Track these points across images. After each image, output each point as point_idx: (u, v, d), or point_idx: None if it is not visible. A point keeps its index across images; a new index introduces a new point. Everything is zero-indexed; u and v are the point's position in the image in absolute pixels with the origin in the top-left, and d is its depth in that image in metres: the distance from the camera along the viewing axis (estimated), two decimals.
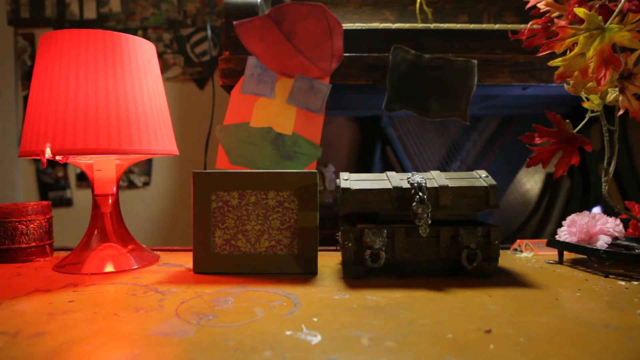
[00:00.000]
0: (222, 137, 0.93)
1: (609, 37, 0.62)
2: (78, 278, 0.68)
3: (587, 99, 0.71)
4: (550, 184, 1.38)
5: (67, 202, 1.51)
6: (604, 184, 0.72)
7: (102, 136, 0.68)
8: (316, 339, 0.43)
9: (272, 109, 0.93)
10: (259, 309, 0.52)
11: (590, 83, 0.69)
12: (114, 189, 0.78)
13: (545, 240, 0.82)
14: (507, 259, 0.80)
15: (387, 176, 0.72)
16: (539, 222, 1.38)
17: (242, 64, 0.95)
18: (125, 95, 0.71)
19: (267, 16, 0.93)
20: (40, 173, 1.52)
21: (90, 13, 1.49)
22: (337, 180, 0.74)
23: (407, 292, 0.59)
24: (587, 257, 0.79)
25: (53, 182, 1.51)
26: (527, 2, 0.78)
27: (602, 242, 0.72)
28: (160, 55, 1.47)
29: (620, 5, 0.62)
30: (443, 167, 1.37)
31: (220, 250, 0.70)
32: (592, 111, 0.72)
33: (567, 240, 0.76)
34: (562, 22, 0.70)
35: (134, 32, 1.47)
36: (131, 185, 1.50)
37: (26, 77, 1.51)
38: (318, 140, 0.92)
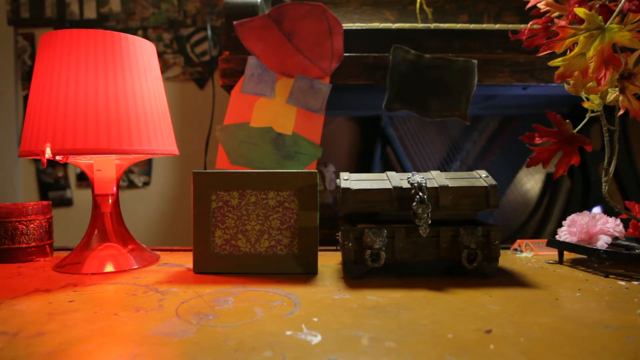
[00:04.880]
0: (222, 137, 0.93)
1: (609, 37, 0.62)
2: (78, 278, 0.68)
3: (587, 99, 0.71)
4: (550, 184, 1.38)
5: (67, 202, 1.51)
6: (604, 184, 0.72)
7: (102, 136, 0.68)
8: (316, 339, 0.43)
9: (272, 109, 0.93)
10: (259, 309, 0.52)
11: (591, 83, 0.69)
12: (114, 189, 0.78)
13: (545, 240, 0.81)
14: (507, 259, 0.80)
15: (387, 176, 0.72)
16: (539, 222, 1.38)
17: (242, 63, 0.95)
18: (125, 95, 0.71)
19: (267, 16, 0.93)
20: (40, 173, 1.52)
21: (90, 13, 1.49)
22: (337, 180, 0.74)
23: (407, 292, 0.59)
24: (587, 257, 0.79)
25: (53, 182, 1.51)
26: (527, 2, 0.78)
27: (602, 242, 0.72)
28: (160, 55, 1.47)
29: (620, 5, 0.62)
30: (443, 167, 1.37)
31: (220, 250, 0.70)
32: (592, 111, 0.72)
33: (567, 240, 0.76)
34: (562, 22, 0.70)
35: (134, 32, 1.47)
36: (131, 185, 1.50)
37: (26, 77, 1.51)
38: (318, 140, 0.92)
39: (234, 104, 0.93)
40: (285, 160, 0.92)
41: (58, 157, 0.69)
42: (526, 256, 0.82)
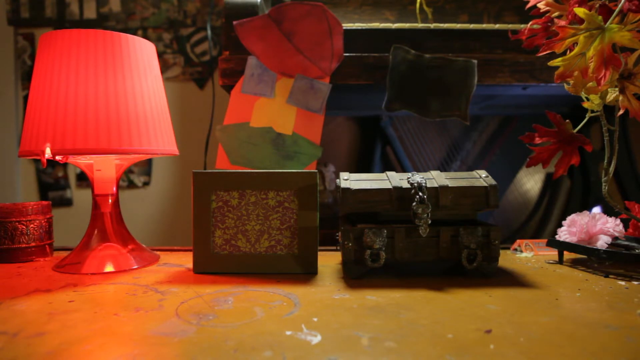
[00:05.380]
0: (222, 137, 0.93)
1: (609, 37, 0.62)
2: (78, 278, 0.68)
3: (587, 99, 0.71)
4: (550, 184, 1.38)
5: (67, 202, 1.51)
6: (604, 184, 0.72)
7: (102, 136, 0.68)
8: (316, 339, 0.43)
9: (272, 109, 0.93)
10: (259, 309, 0.52)
11: (590, 83, 0.69)
12: (114, 189, 0.78)
13: (545, 240, 0.81)
14: (507, 259, 0.80)
15: (387, 176, 0.72)
16: (539, 222, 1.38)
17: (242, 63, 0.95)
18: (125, 95, 0.71)
19: (267, 16, 0.93)
20: (40, 173, 1.52)
21: (90, 13, 1.49)
22: (337, 180, 0.74)
23: (407, 292, 0.59)
24: (587, 257, 0.79)
25: (53, 182, 1.51)
26: (527, 2, 0.78)
27: (602, 242, 0.72)
28: (160, 55, 1.47)
29: (620, 5, 0.62)
30: (443, 167, 1.37)
31: (220, 250, 0.70)
32: (592, 111, 0.72)
33: (567, 240, 0.76)
34: (562, 22, 0.70)
35: (134, 32, 1.47)
36: (131, 185, 1.50)
37: (26, 77, 1.51)
38: (318, 140, 0.92)
39: (234, 104, 0.93)
40: (285, 161, 0.92)
41: (58, 157, 0.69)
42: (526, 256, 0.82)
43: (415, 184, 0.66)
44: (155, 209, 1.51)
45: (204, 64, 1.48)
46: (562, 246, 0.76)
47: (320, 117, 0.93)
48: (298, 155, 0.92)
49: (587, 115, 0.73)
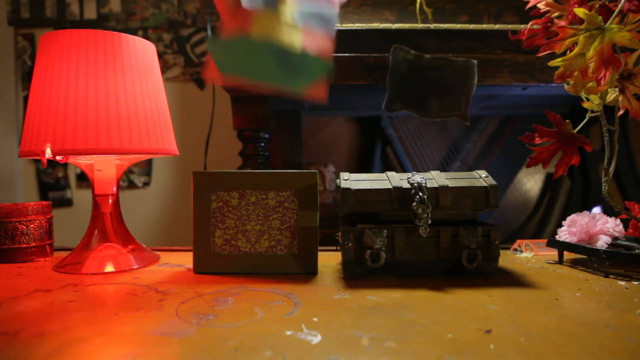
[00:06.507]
0: (214, 50, 0.80)
1: (609, 37, 0.62)
2: (78, 278, 0.68)
3: (587, 99, 0.71)
4: (550, 184, 1.39)
5: (67, 202, 1.51)
6: (604, 184, 0.72)
7: (102, 136, 0.68)
8: (316, 339, 0.43)
9: (276, 24, 0.81)
10: (259, 309, 0.52)
11: (590, 83, 0.69)
12: (114, 189, 0.78)
13: (545, 240, 0.81)
14: (507, 259, 0.80)
15: (387, 176, 0.72)
16: (539, 222, 1.38)
17: None
18: (126, 95, 0.71)
19: None
20: (40, 173, 1.52)
21: (90, 13, 1.49)
22: (337, 180, 0.74)
23: (407, 292, 0.59)
24: (587, 257, 0.79)
25: (53, 182, 1.52)
26: (527, 2, 0.78)
27: (602, 242, 0.72)
28: (160, 55, 1.47)
29: (620, 6, 0.62)
30: (443, 167, 1.37)
31: (220, 250, 0.70)
32: (592, 111, 0.72)
33: (567, 240, 0.76)
34: (562, 22, 0.70)
35: (134, 32, 1.47)
36: (131, 185, 1.50)
37: (26, 77, 1.51)
38: (327, 59, 0.81)
39: (229, 14, 0.82)
40: (289, 75, 0.80)
41: (58, 157, 0.69)
42: (526, 256, 0.82)
43: (416, 184, 0.66)
44: (155, 209, 1.51)
45: (204, 64, 1.48)
46: (562, 246, 0.76)
47: (329, 38, 0.83)
48: (304, 70, 0.81)
49: (587, 116, 0.73)
